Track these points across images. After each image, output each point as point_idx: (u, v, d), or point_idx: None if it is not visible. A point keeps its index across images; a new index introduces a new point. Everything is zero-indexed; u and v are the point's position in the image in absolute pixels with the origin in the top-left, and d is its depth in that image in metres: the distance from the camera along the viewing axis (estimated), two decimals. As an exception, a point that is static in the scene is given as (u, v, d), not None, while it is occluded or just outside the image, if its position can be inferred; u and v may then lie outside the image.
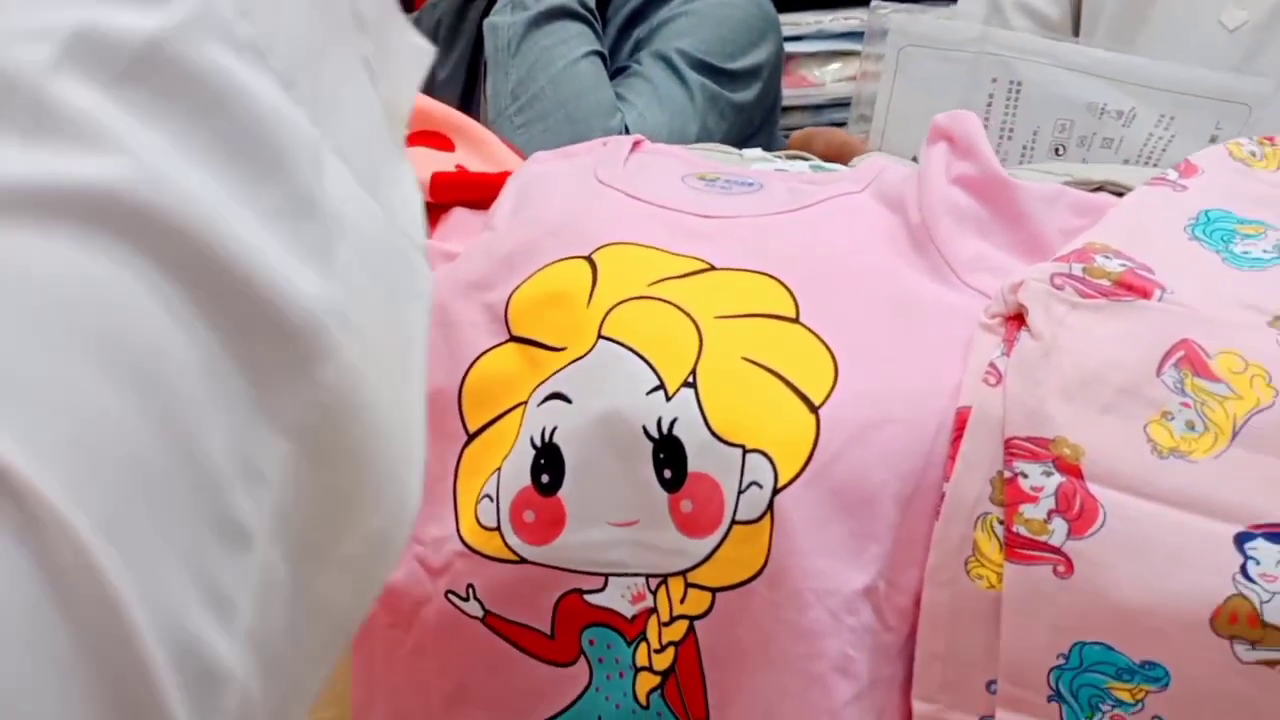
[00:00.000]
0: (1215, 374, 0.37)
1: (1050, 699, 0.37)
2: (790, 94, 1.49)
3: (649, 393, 0.42)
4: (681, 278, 0.47)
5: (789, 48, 1.48)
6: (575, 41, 0.98)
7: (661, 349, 0.43)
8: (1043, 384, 0.38)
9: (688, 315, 0.45)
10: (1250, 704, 0.35)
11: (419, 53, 0.24)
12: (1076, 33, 1.06)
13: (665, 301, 0.45)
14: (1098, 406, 0.38)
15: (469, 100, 1.16)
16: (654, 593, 0.42)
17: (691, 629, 0.42)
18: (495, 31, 1.00)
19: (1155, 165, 0.80)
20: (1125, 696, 0.36)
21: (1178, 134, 0.79)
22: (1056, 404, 0.38)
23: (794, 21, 1.48)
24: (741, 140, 1.09)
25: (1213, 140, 0.79)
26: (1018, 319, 0.41)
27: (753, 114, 1.08)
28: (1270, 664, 0.34)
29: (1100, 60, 0.81)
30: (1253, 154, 0.52)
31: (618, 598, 0.43)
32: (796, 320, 0.44)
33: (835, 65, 1.50)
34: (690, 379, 0.42)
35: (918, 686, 0.39)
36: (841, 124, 1.41)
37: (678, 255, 0.48)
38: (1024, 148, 0.82)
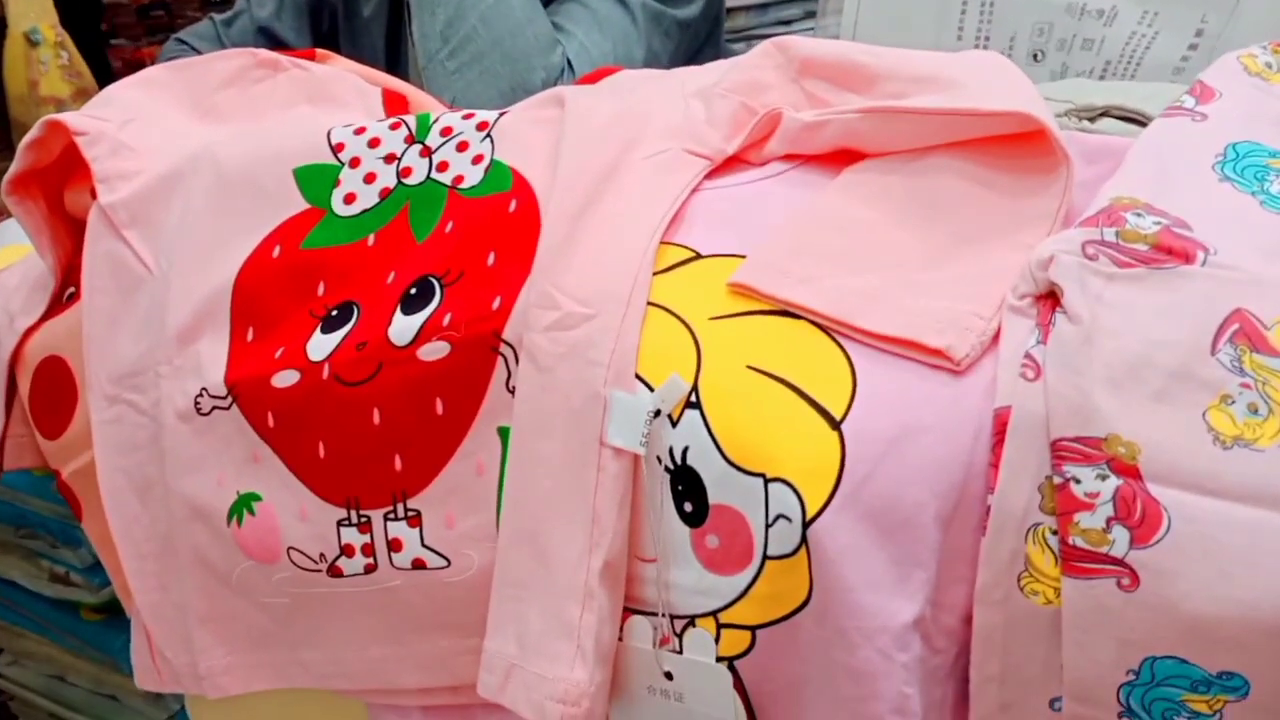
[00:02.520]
0: (1276, 347, 0.34)
1: (1121, 715, 0.34)
2: (730, -8, 1.42)
3: (654, 418, 0.38)
4: (669, 270, 0.42)
5: (730, -56, 1.40)
6: None
7: (658, 366, 0.39)
8: (1086, 374, 0.34)
9: (680, 319, 0.40)
10: (1339, 708, 0.32)
11: None
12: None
13: (655, 305, 0.41)
14: (1149, 395, 0.34)
15: (396, 37, 1.08)
16: (679, 636, 0.39)
17: (733, 669, 0.38)
18: None
19: (1139, 65, 0.76)
20: (1202, 708, 0.33)
21: (1161, 30, 0.74)
22: (1104, 396, 0.34)
23: (728, -92, 1.40)
24: (689, 57, 1.03)
25: (1198, 35, 0.74)
26: (1050, 298, 0.37)
27: (698, 28, 1.01)
28: (1360, 667, 0.32)
29: (1076, -45, 0.75)
30: (1268, 65, 0.47)
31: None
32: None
33: (777, -43, 1.42)
34: (694, 397, 0.38)
35: (975, 710, 0.37)
36: (789, 22, 1.34)
37: (664, 243, 0.43)
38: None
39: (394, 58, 1.05)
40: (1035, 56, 0.77)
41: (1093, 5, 0.74)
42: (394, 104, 0.59)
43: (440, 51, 0.85)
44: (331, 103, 0.58)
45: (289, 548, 0.45)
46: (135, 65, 1.32)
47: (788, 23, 1.28)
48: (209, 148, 0.50)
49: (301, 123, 0.55)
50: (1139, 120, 0.49)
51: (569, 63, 0.90)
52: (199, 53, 1.03)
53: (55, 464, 0.53)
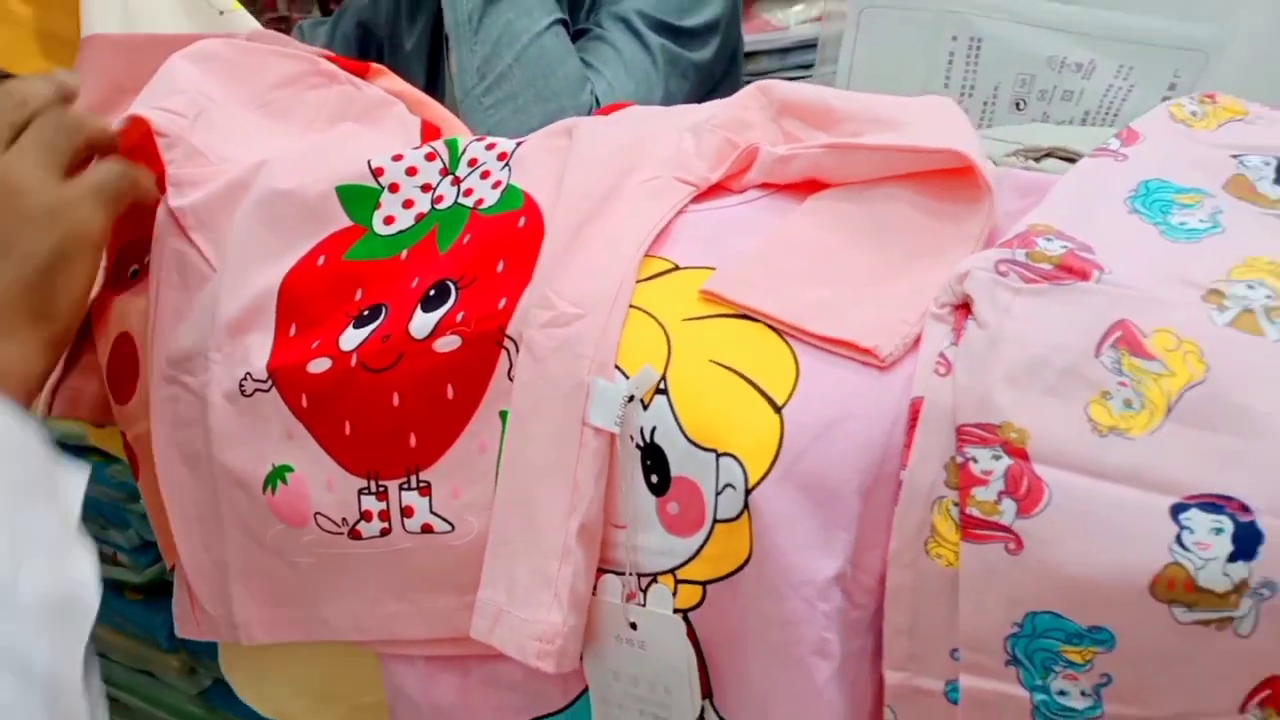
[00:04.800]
0: (1150, 352, 0.40)
1: (1008, 663, 0.40)
2: (755, 38, 1.49)
3: (628, 402, 0.45)
4: (649, 280, 0.49)
5: (750, -8, 1.47)
6: (537, 12, 0.96)
7: (635, 360, 0.46)
8: (989, 371, 0.41)
9: (656, 320, 0.47)
10: (1189, 659, 0.38)
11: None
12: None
13: (636, 309, 0.48)
14: (1041, 390, 0.40)
15: (435, 70, 1.16)
16: (644, 591, 0.45)
17: (687, 620, 0.45)
18: (454, 4, 0.97)
19: (1116, 115, 0.82)
20: (1075, 658, 0.39)
21: (1137, 83, 0.80)
22: (1002, 390, 0.40)
23: (754, -35, 1.47)
24: (704, 95, 1.09)
25: (1172, 88, 0.80)
26: (965, 308, 0.43)
27: (713, 69, 1.07)
28: (1205, 624, 0.37)
29: (1058, 13, 0.82)
30: (1194, 114, 0.54)
31: (613, 593, 0.46)
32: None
33: (799, 7, 1.49)
34: (663, 385, 0.45)
35: (887, 658, 0.42)
36: (809, 65, 1.41)
37: (648, 257, 0.50)
38: (985, 104, 0.84)
39: (432, 89, 1.13)
40: (1018, 105, 0.83)
41: (1072, 58, 0.81)
42: (430, 135, 0.67)
43: (476, 87, 0.93)
44: (375, 125, 0.66)
45: (316, 513, 0.52)
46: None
47: (807, 66, 1.35)
48: (266, 164, 0.57)
49: (346, 145, 0.62)
50: (1077, 160, 0.55)
51: (596, 100, 0.97)
52: None
53: (122, 426, 0.60)
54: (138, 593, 0.87)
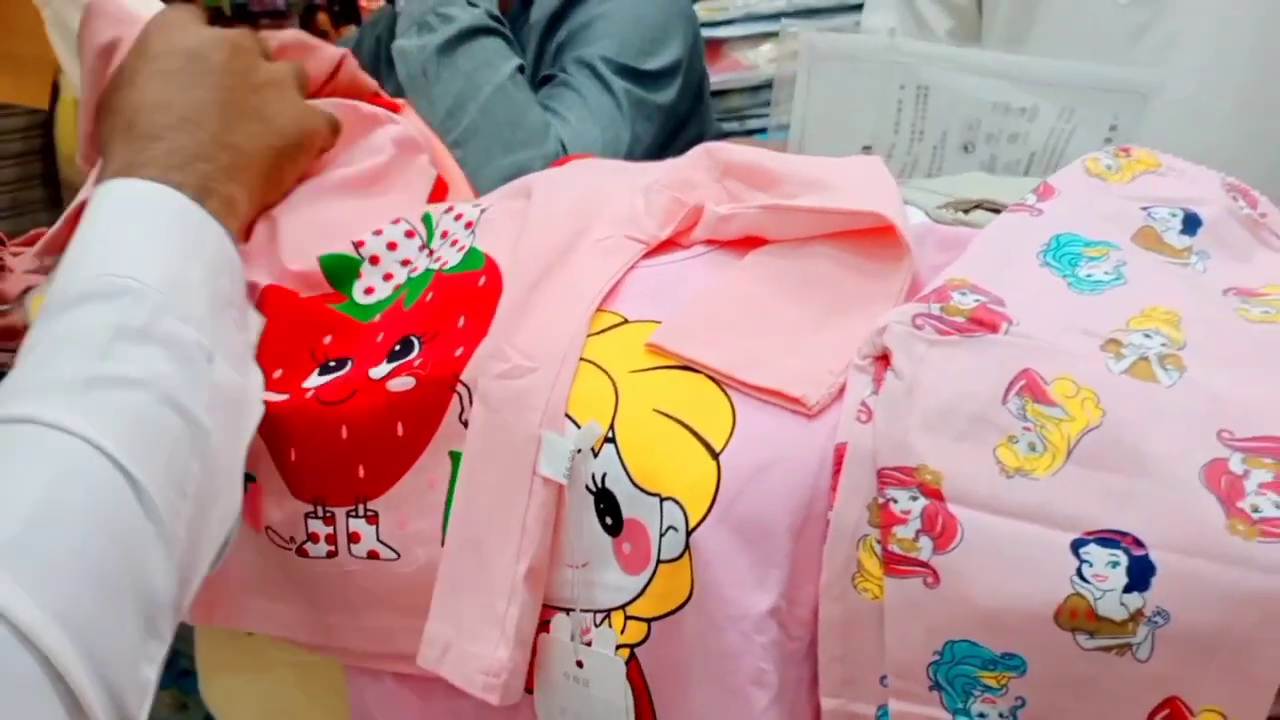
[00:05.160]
0: (1052, 399, 0.43)
1: (931, 688, 0.43)
2: (726, 77, 1.54)
3: (575, 455, 0.48)
4: (601, 333, 0.53)
5: (719, 32, 1.52)
6: (496, 61, 0.98)
7: (585, 411, 0.49)
8: (905, 418, 0.44)
9: (605, 372, 0.51)
10: (1094, 683, 0.41)
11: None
12: (980, 11, 1.11)
13: (588, 361, 0.51)
14: (953, 435, 0.43)
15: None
16: (597, 627, 0.48)
17: (634, 655, 0.48)
18: (405, 57, 0.98)
19: (1061, 155, 0.86)
20: (992, 682, 0.42)
21: (1079, 125, 0.84)
22: (918, 435, 0.44)
23: (721, 5, 1.52)
24: (672, 134, 1.11)
25: (1113, 129, 0.84)
26: (885, 359, 0.47)
27: (677, 108, 1.10)
28: (1106, 649, 0.40)
29: (1001, 61, 0.86)
30: (1108, 168, 0.57)
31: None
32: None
33: (767, 47, 1.54)
34: (611, 434, 0.48)
35: (823, 686, 0.46)
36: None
37: (600, 310, 0.54)
38: (934, 148, 0.88)
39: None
40: (966, 148, 0.87)
41: (1015, 103, 0.85)
42: (439, 191, 0.69)
43: (444, 141, 0.96)
44: (390, 187, 0.66)
45: (267, 526, 0.55)
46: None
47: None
48: (275, 214, 0.60)
49: (345, 216, 0.64)
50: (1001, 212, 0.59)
51: (563, 145, 1.00)
52: None
53: None
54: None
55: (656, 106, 1.05)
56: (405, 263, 0.59)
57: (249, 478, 0.55)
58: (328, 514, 0.53)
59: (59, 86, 1.32)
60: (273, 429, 0.54)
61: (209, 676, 0.65)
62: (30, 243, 1.48)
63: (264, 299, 0.57)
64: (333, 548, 0.53)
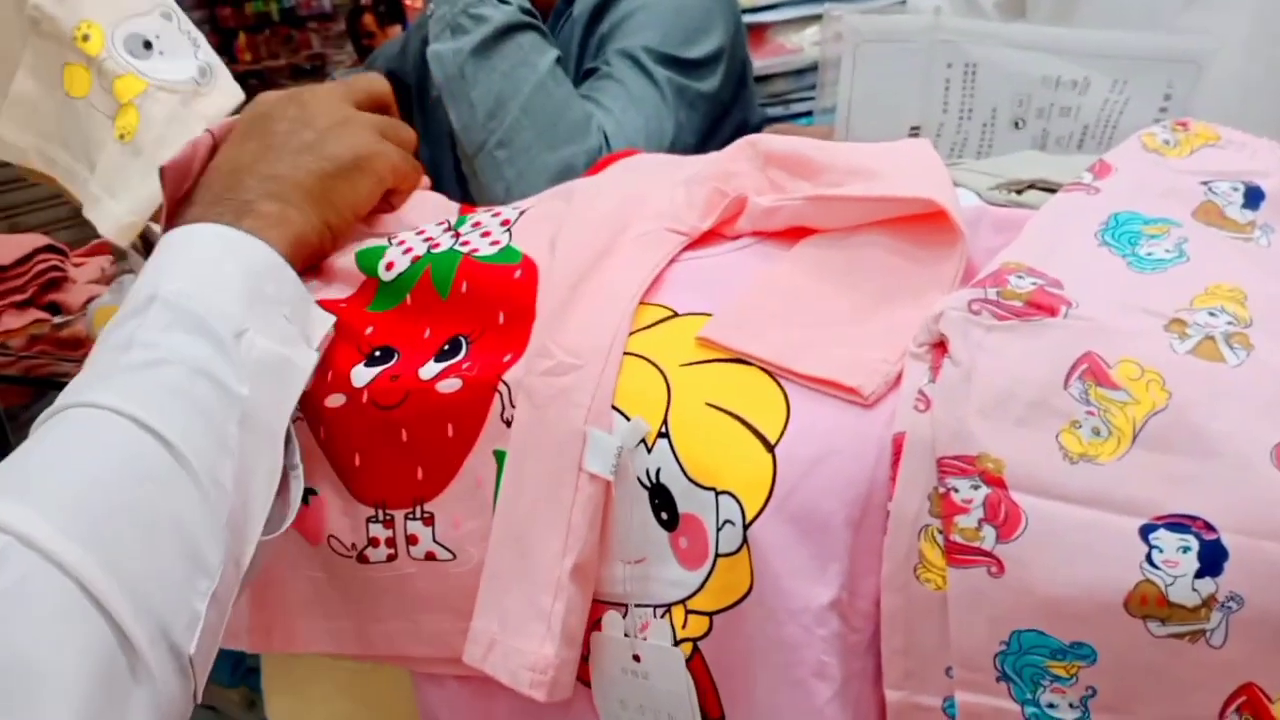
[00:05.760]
0: (1115, 382, 0.42)
1: (998, 679, 0.43)
2: (770, 62, 1.52)
3: (634, 446, 0.48)
4: (650, 327, 0.53)
5: (763, 17, 1.51)
6: (533, 57, 0.96)
7: (636, 405, 0.49)
8: (964, 406, 0.43)
9: (656, 366, 0.50)
10: (1167, 670, 0.40)
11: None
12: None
13: (637, 355, 0.51)
14: (1013, 421, 0.43)
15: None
16: (659, 620, 0.48)
17: (697, 649, 0.48)
18: (440, 61, 0.97)
19: (1115, 128, 0.84)
20: (1061, 672, 0.42)
21: (1131, 97, 0.82)
22: (977, 423, 0.43)
23: (765, -10, 1.51)
24: (716, 122, 1.09)
25: (1167, 99, 0.82)
26: (941, 346, 0.46)
27: (721, 96, 1.08)
28: (1179, 636, 0.39)
29: (1050, 34, 0.84)
30: (1166, 143, 0.56)
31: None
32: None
33: (811, 30, 1.53)
34: (664, 429, 0.48)
35: (887, 678, 0.45)
36: (820, 87, 1.45)
37: (647, 304, 0.53)
38: (984, 126, 0.86)
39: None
40: (1016, 124, 0.85)
41: (1066, 76, 0.83)
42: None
43: (488, 142, 0.95)
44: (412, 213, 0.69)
45: (330, 535, 0.56)
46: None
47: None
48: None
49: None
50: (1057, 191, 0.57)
51: (606, 139, 0.99)
52: None
53: None
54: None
55: (700, 94, 1.04)
56: (427, 239, 0.59)
57: (310, 491, 0.56)
58: (388, 517, 0.54)
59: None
60: (334, 435, 0.55)
61: (272, 698, 0.66)
62: (93, 253, 1.51)
63: None
64: (392, 550, 0.54)
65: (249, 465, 0.47)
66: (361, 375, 0.55)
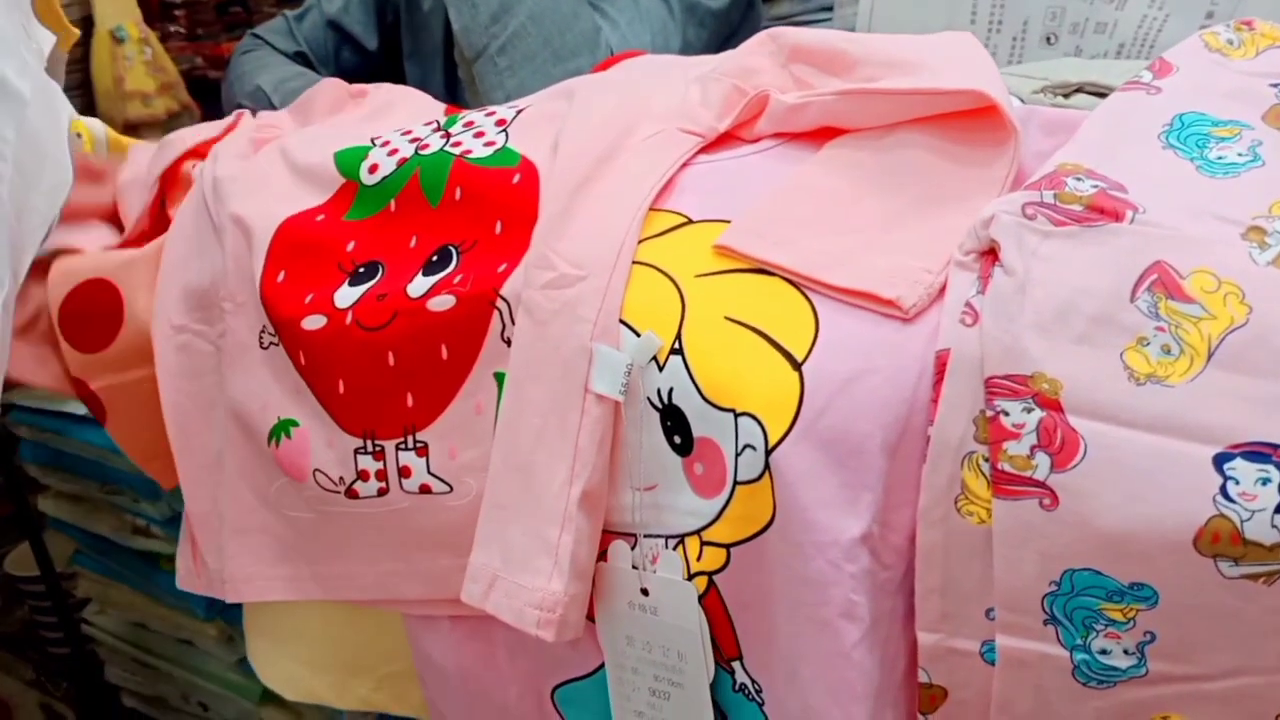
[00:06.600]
0: (1189, 295, 0.38)
1: (1046, 622, 0.39)
2: (779, -19, 1.45)
3: (645, 364, 0.43)
4: (662, 235, 0.47)
5: (774, -67, 1.43)
6: None
7: (647, 319, 0.44)
8: (1017, 320, 0.39)
9: (669, 277, 0.46)
10: (1237, 615, 0.36)
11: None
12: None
13: (647, 265, 0.46)
14: (1073, 338, 0.38)
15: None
16: (670, 552, 0.44)
17: (712, 583, 0.44)
18: None
19: (1152, 46, 0.78)
20: (1117, 616, 0.38)
21: (1172, 12, 0.77)
22: (1032, 339, 0.38)
23: (774, -95, 1.43)
24: (723, 42, 1.06)
25: (1209, 16, 0.77)
26: (991, 254, 0.41)
27: (730, 15, 1.05)
28: (1253, 577, 0.35)
29: (1086, -58, 0.78)
30: (1229, 42, 0.51)
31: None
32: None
33: (823, -53, 1.45)
34: (677, 345, 0.43)
35: (920, 619, 0.41)
36: (829, 8, 1.38)
37: (658, 210, 0.48)
38: (1014, 39, 0.80)
39: (451, 49, 1.11)
40: (1049, 40, 0.80)
41: (1103, -11, 0.77)
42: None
43: (490, 47, 0.90)
44: (395, 113, 0.64)
45: (315, 469, 0.51)
46: (215, 60, 1.40)
47: (828, 8, 1.31)
48: (281, 143, 0.57)
49: (355, 125, 0.62)
50: (1107, 95, 0.52)
51: (611, 53, 0.94)
52: (273, 46, 1.10)
53: (83, 375, 0.59)
54: (172, 563, 0.88)
55: (709, 11, 1.00)
56: (414, 140, 0.54)
57: (292, 423, 0.51)
58: (377, 448, 0.49)
59: (93, 20, 1.27)
60: (316, 361, 0.50)
61: (254, 639, 0.62)
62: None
63: (279, 235, 0.53)
64: (383, 484, 0.49)
65: (27, 179, 0.47)
66: (346, 295, 0.50)
